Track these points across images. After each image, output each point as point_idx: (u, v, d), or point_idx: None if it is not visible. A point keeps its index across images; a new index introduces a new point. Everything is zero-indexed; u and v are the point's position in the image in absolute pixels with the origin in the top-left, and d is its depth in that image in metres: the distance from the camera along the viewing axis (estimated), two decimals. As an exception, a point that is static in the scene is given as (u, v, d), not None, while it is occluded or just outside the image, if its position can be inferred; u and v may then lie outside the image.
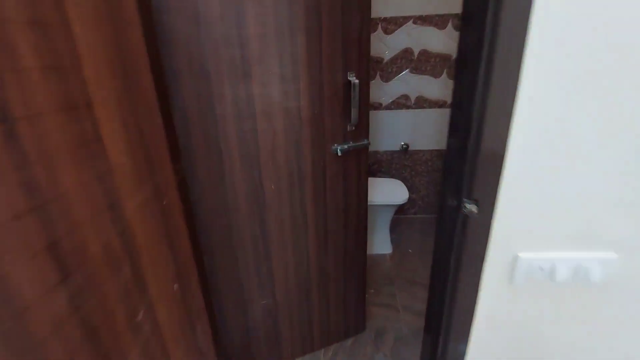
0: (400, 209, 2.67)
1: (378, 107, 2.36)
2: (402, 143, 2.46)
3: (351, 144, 1.19)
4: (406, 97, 2.33)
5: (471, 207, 0.72)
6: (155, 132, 0.66)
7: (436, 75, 2.26)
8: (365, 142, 1.22)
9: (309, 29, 0.99)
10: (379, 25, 2.15)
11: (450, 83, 2.26)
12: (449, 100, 2.32)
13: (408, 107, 2.36)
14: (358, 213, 1.34)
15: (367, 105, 1.18)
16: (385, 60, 2.24)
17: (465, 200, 0.73)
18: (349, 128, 1.17)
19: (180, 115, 0.93)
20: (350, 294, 1.48)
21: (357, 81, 1.08)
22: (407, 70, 2.25)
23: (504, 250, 0.78)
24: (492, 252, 0.78)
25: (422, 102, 2.34)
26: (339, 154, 1.17)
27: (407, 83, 2.29)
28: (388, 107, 2.36)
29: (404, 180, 2.60)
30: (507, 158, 0.68)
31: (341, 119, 1.15)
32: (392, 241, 2.34)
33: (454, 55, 2.19)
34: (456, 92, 0.76)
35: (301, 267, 1.31)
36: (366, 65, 1.12)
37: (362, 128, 1.20)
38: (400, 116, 2.38)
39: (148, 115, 0.64)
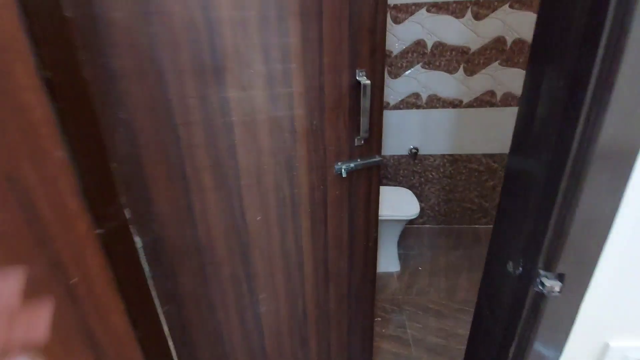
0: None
1: (385, 106, 2.10)
2: (412, 147, 2.20)
3: (359, 161, 0.94)
4: (417, 95, 2.06)
5: (552, 285, 0.47)
6: (52, 175, 0.41)
7: (451, 71, 1.99)
8: (377, 158, 0.97)
9: (305, 13, 0.73)
10: (388, 14, 1.88)
11: (467, 80, 2.00)
12: (465, 99, 2.06)
13: (418, 107, 2.10)
14: (366, 244, 1.09)
15: (380, 113, 0.93)
16: (394, 54, 1.97)
17: (542, 273, 0.48)
18: (356, 142, 0.92)
19: (125, 132, 0.67)
20: (355, 335, 1.24)
21: (368, 82, 0.82)
22: (419, 65, 1.98)
23: (590, 337, 0.53)
24: (573, 339, 0.53)
25: (434, 102, 2.07)
26: (344, 174, 0.91)
27: (418, 80, 2.02)
28: (396, 107, 2.10)
29: (412, 188, 2.35)
30: (623, 203, 0.43)
31: (347, 131, 0.89)
32: (399, 257, 2.10)
33: (473, 48, 1.92)
34: (533, 88, 0.50)
35: (296, 310, 1.07)
36: (381, 62, 0.86)
37: (374, 142, 0.95)
38: (409, 117, 2.12)
39: (35, 150, 0.38)
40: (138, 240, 0.77)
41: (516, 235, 0.53)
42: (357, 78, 0.84)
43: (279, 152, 0.83)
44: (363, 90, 0.83)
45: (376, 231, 1.10)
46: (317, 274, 1.04)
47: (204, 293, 0.91)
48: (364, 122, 0.87)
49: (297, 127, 0.82)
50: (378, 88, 0.88)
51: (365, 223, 1.06)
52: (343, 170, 0.91)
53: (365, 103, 0.84)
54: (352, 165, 0.92)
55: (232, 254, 0.90)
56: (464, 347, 1.59)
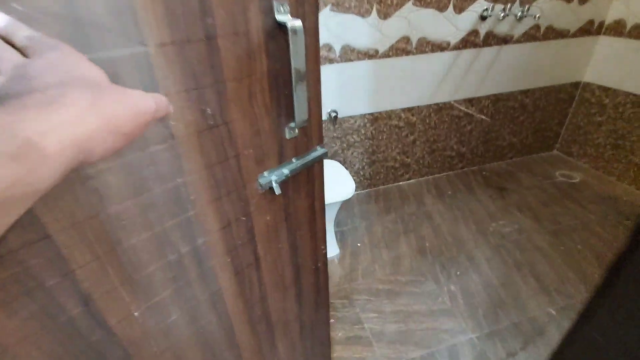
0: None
1: (293, 64, 1.70)
2: (331, 110, 1.89)
3: (295, 162, 0.58)
4: (329, 47, 1.72)
5: None
6: None
7: (364, 13, 1.68)
8: (320, 151, 0.62)
9: None
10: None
11: (381, 25, 1.72)
12: (380, 48, 1.79)
13: (332, 61, 1.76)
14: (315, 267, 0.77)
15: (317, 78, 0.56)
16: (294, -5, 1.54)
17: None
18: (288, 133, 0.54)
19: None
20: (317, 372, 0.96)
21: (298, 23, 0.44)
22: (327, 8, 1.61)
23: None
24: None
25: (349, 53, 1.76)
26: (277, 190, 0.54)
27: (328, 27, 1.66)
28: (306, 64, 1.72)
29: (335, 156, 2.10)
30: None
31: (271, 117, 0.51)
32: (335, 237, 1.87)
33: (384, -16, 1.63)
34: None
35: (234, 389, 0.72)
36: (314, -19, 0.47)
37: (313, 126, 0.59)
38: (324, 74, 1.77)
39: None
40: None
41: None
42: (277, 17, 0.44)
43: (151, 181, 0.41)
44: (292, 39, 0.44)
45: (325, 246, 0.78)
46: (256, 336, 0.69)
47: None
48: (300, 97, 0.49)
49: (174, 128, 0.40)
50: (311, 33, 0.51)
51: (312, 242, 0.73)
52: (274, 183, 0.54)
53: (298, 62, 0.46)
54: (285, 171, 0.56)
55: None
56: (424, 326, 1.49)
